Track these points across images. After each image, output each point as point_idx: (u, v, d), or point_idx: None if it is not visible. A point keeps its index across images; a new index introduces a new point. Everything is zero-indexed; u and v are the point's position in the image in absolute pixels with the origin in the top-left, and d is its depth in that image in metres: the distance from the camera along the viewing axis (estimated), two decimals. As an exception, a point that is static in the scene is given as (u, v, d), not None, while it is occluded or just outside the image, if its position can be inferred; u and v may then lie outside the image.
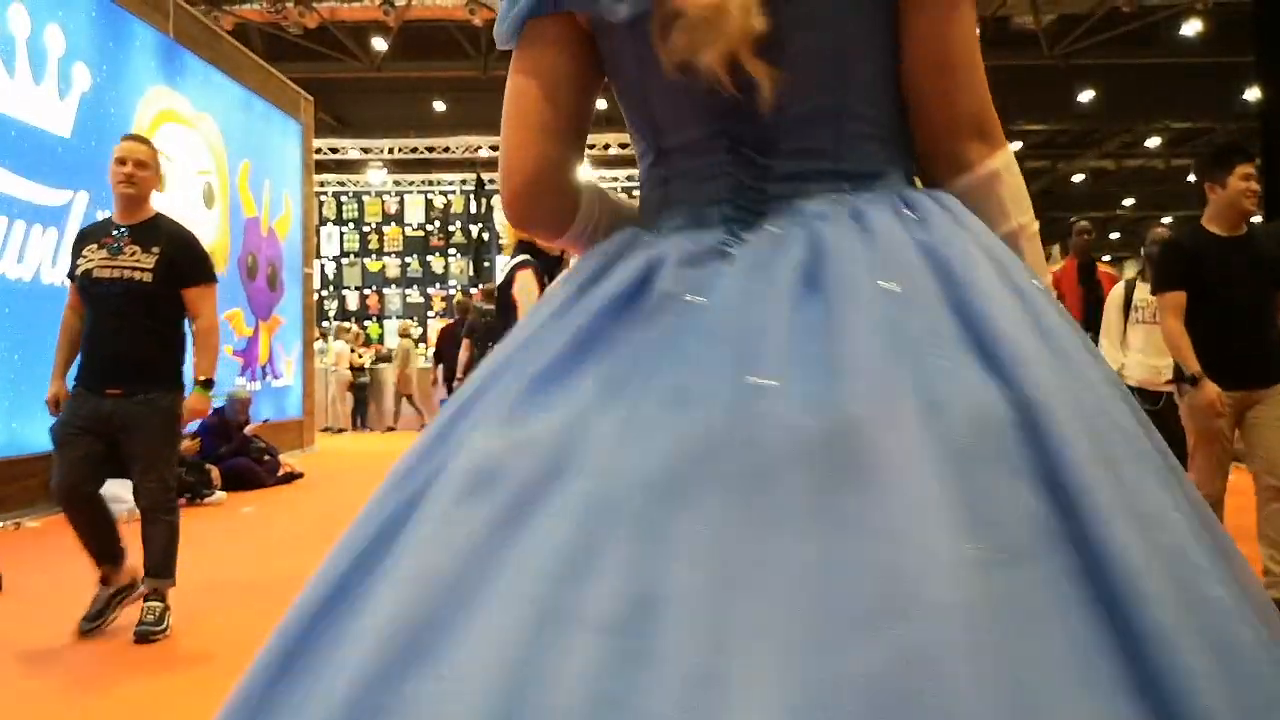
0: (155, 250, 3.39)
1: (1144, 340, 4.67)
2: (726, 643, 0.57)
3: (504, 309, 3.56)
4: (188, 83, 8.30)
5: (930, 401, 0.65)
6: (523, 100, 0.89)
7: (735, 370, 0.68)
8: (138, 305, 3.36)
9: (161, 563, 3.45)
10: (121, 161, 3.43)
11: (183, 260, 3.46)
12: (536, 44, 0.88)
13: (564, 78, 0.89)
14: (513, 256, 3.60)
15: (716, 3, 0.75)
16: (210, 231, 8.75)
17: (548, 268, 3.35)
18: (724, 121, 0.83)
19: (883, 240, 0.75)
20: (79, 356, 3.44)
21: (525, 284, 3.38)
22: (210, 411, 3.52)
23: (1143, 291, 4.68)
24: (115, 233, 3.43)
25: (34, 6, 6.17)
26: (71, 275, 3.48)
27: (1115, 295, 4.89)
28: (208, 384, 3.45)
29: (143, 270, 3.36)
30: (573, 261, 3.59)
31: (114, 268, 3.35)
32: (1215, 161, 3.47)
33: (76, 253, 3.47)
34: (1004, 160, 0.85)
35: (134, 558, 3.48)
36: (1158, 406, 4.44)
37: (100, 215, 6.74)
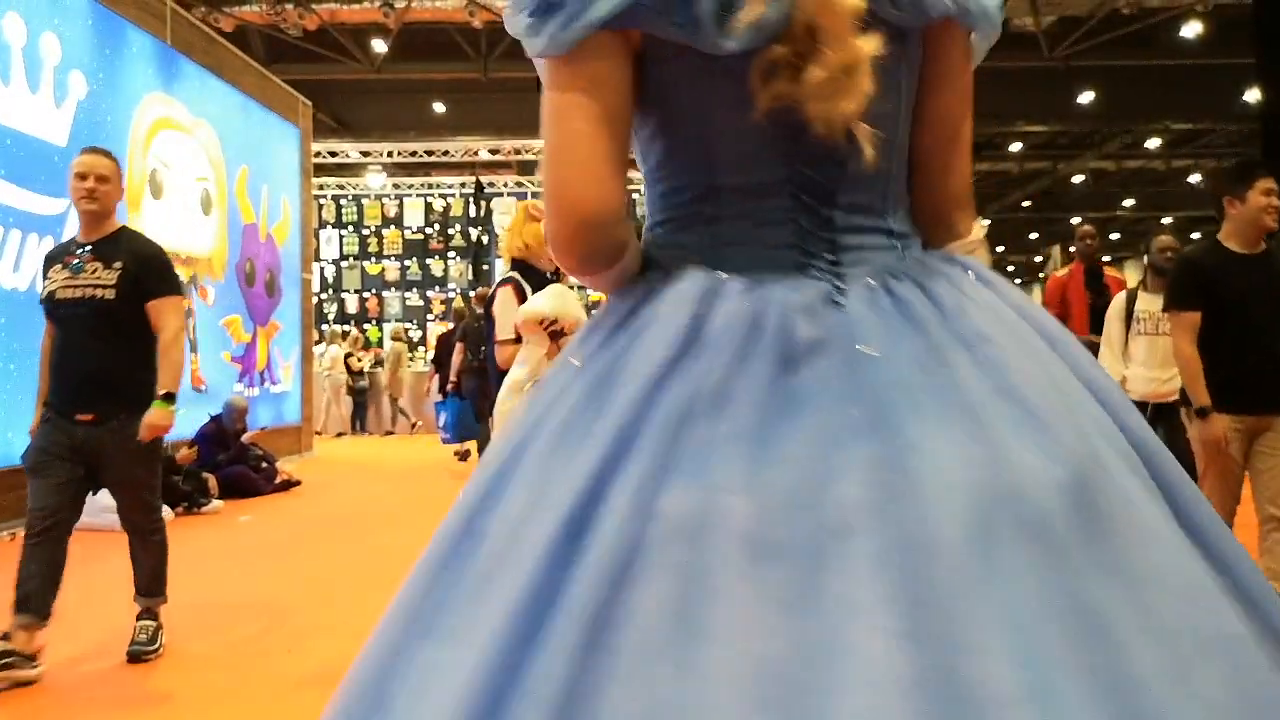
0: (117, 265, 3.23)
1: (1146, 352, 4.49)
2: (1126, 705, 0.61)
3: (489, 322, 3.56)
4: (185, 89, 8.27)
5: (1116, 449, 0.75)
6: (589, 122, 0.80)
7: (964, 424, 0.71)
8: (103, 324, 3.22)
9: (151, 582, 3.41)
10: (82, 176, 3.26)
11: (145, 273, 3.29)
12: (600, 58, 0.80)
13: (625, 99, 0.83)
14: (509, 270, 3.57)
15: (853, 63, 0.78)
16: (208, 238, 8.74)
17: (537, 284, 3.33)
18: (792, 168, 0.84)
19: (981, 299, 0.82)
20: (51, 381, 3.32)
21: (504, 301, 3.37)
22: (172, 427, 3.35)
23: (1145, 302, 4.52)
24: (77, 251, 3.29)
25: (30, 15, 6.15)
26: (41, 300, 3.37)
27: (1116, 305, 4.70)
28: (169, 398, 3.27)
29: (105, 287, 3.21)
30: (573, 281, 3.51)
31: (76, 287, 3.22)
32: (1236, 175, 3.33)
33: (44, 276, 3.35)
34: (981, 229, 0.95)
35: (48, 635, 3.14)
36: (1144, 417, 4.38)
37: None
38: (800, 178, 0.84)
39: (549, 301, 3.11)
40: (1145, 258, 4.87)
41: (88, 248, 3.28)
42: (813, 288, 0.80)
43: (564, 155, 0.81)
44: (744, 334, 0.76)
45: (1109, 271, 5.92)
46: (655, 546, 0.66)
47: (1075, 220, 23.03)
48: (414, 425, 14.12)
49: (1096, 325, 5.39)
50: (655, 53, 0.82)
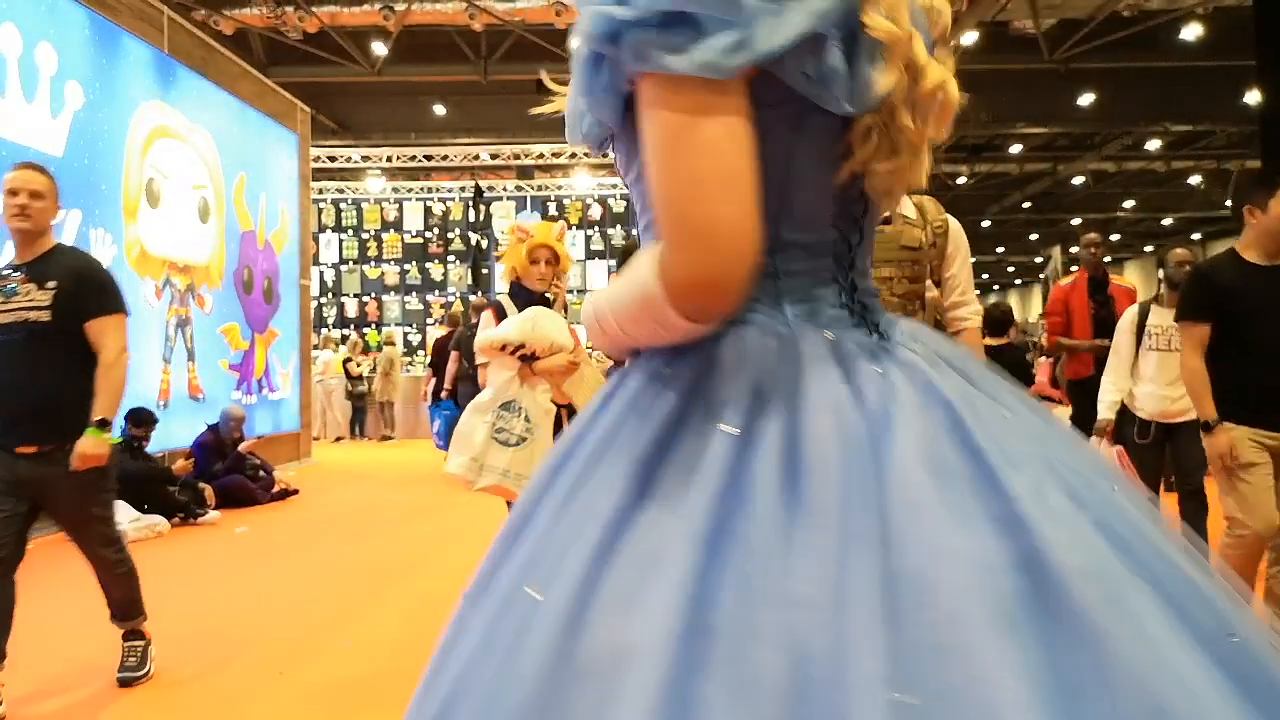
0: (51, 285, 3.03)
1: (1156, 368, 4.31)
2: None
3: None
4: (182, 97, 8.26)
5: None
6: (744, 156, 0.75)
7: (1092, 478, 0.79)
8: (40, 349, 3.02)
9: (127, 607, 3.33)
10: (13, 193, 3.07)
11: (83, 291, 3.08)
12: (743, 88, 0.76)
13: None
14: (509, 290, 3.56)
15: (929, 140, 0.85)
16: (206, 246, 8.73)
17: (528, 305, 3.31)
18: (836, 230, 0.87)
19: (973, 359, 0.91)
20: None
21: (484, 324, 3.37)
22: (107, 456, 3.10)
23: (1158, 316, 4.35)
24: (9, 274, 3.10)
25: (25, 25, 6.13)
26: None
27: (1128, 318, 4.51)
28: (104, 424, 3.04)
29: (39, 309, 3.01)
30: (570, 300, 3.54)
31: (9, 311, 3.01)
32: (1259, 183, 3.19)
33: None
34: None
35: (9, 672, 3.02)
36: (1147, 440, 4.27)
37: (93, 233, 6.74)
38: (839, 240, 0.87)
39: (517, 327, 3.09)
40: (1160, 271, 4.77)
41: (21, 269, 3.10)
42: (907, 348, 0.85)
43: (717, 190, 0.74)
44: (909, 393, 0.77)
45: (1115, 280, 5.86)
46: (1011, 604, 0.65)
47: (1075, 221, 23.03)
48: (385, 436, 14.03)
49: (1100, 334, 5.34)
50: (759, 95, 0.77)
